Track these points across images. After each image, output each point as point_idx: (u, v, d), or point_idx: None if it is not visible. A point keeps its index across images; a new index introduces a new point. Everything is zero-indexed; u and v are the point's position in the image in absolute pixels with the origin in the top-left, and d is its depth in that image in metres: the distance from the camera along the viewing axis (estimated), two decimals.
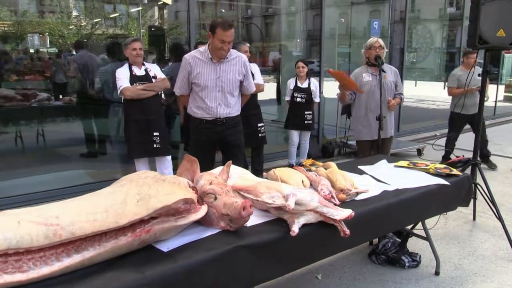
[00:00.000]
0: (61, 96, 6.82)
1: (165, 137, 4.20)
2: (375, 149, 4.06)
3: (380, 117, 3.75)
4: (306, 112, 5.26)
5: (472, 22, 3.15)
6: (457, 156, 3.59)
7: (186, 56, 3.32)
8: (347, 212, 1.89)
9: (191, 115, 3.46)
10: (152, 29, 10.91)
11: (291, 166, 5.44)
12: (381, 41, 3.93)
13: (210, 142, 3.42)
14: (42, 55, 9.21)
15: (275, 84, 8.49)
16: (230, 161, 2.11)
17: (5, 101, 5.79)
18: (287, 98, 5.34)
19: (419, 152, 6.47)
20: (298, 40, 10.77)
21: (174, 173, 4.36)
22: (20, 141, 5.97)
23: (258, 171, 5.16)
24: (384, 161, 3.05)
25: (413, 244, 3.20)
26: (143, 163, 4.20)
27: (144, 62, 4.14)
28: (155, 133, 4.08)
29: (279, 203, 1.85)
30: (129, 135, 4.11)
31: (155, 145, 4.09)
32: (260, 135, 4.88)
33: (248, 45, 4.95)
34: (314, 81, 5.38)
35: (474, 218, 3.88)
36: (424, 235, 2.89)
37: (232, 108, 3.39)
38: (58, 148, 6.10)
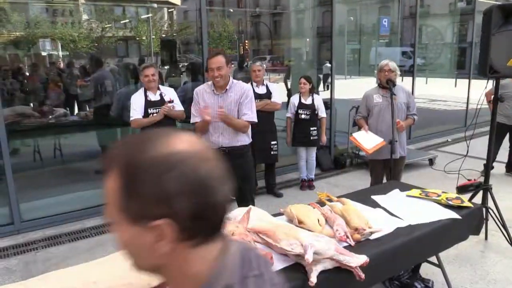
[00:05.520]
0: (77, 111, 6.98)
1: None
2: (387, 169, 4.14)
3: (392, 141, 3.82)
4: (311, 129, 5.29)
5: (483, 52, 3.20)
6: (468, 180, 3.64)
7: (196, 89, 3.56)
8: (362, 259, 1.99)
9: None
10: (163, 35, 11.00)
11: (302, 181, 5.52)
12: (391, 65, 3.97)
13: None
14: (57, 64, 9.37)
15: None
16: (251, 207, 2.21)
17: (23, 118, 5.95)
18: (288, 114, 5.33)
19: (431, 162, 6.50)
20: (308, 39, 10.69)
21: None
22: (38, 156, 6.13)
23: (272, 185, 5.28)
24: (396, 191, 3.13)
25: (425, 270, 3.27)
26: None
27: (160, 86, 4.24)
28: None
29: (297, 251, 1.95)
30: None
31: None
32: (272, 152, 4.98)
33: (258, 63, 5.02)
34: (317, 97, 5.41)
35: (486, 238, 3.93)
36: (437, 262, 2.97)
37: (235, 138, 3.45)
38: (74, 164, 6.24)
